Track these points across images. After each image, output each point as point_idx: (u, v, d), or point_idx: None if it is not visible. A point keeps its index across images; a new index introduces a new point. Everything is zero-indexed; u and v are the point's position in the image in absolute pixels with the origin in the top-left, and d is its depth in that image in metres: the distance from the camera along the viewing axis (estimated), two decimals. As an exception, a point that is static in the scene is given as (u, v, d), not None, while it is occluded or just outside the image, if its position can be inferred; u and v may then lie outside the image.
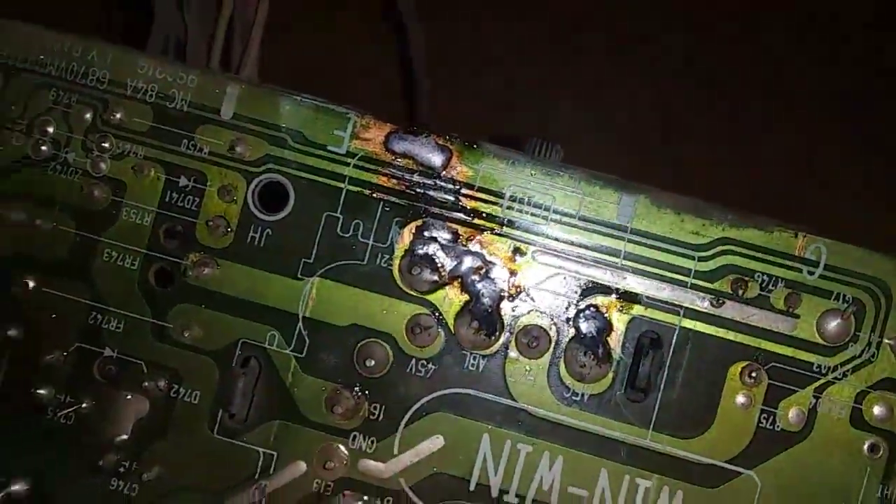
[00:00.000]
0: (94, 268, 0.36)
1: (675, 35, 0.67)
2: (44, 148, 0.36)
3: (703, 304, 0.34)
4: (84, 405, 0.36)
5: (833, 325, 0.34)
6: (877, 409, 0.34)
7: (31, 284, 0.36)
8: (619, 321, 0.35)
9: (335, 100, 0.36)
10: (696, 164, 0.65)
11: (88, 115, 0.35)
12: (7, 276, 0.36)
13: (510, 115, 0.67)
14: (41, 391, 0.36)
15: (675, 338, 0.34)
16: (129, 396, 0.36)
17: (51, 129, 0.36)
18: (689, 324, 0.34)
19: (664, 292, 0.34)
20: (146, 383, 0.36)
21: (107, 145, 0.35)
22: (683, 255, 0.34)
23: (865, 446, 0.34)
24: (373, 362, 0.35)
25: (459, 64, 0.68)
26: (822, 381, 0.34)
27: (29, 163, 0.36)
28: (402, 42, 0.57)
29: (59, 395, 0.36)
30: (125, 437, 0.36)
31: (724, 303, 0.34)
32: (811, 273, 0.34)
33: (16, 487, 0.36)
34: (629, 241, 0.34)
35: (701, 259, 0.34)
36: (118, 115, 0.35)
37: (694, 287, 0.34)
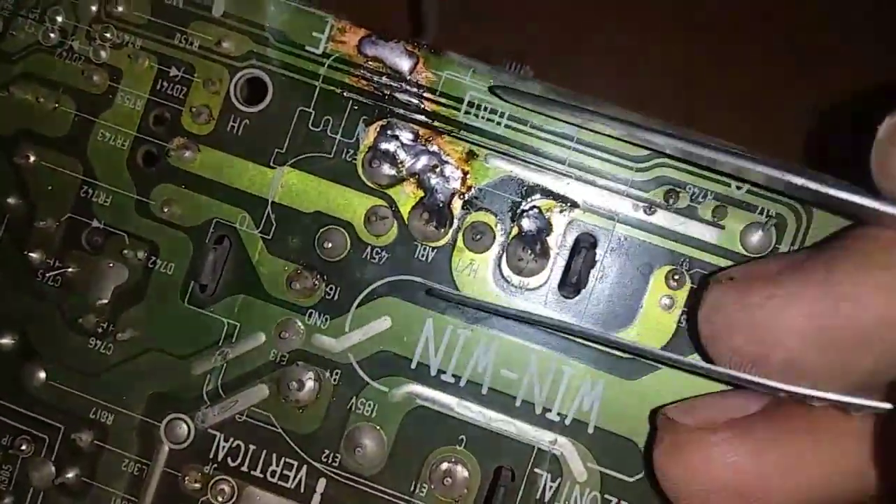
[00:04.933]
0: (88, 146, 0.39)
1: None
2: (52, 35, 0.40)
3: (636, 212, 0.37)
4: (70, 270, 0.39)
5: (756, 236, 0.36)
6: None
7: (32, 158, 0.39)
8: (558, 222, 0.37)
9: (347, 11, 0.38)
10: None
11: (94, 7, 0.40)
12: (12, 149, 0.39)
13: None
14: (33, 255, 0.40)
15: (608, 240, 0.37)
16: (110, 264, 0.39)
17: (59, 19, 0.40)
18: (622, 228, 0.37)
19: (602, 199, 0.37)
20: (127, 253, 0.39)
21: (108, 35, 0.39)
22: (623, 166, 0.37)
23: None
24: (331, 246, 0.38)
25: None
26: (741, 288, 0.36)
27: (38, 48, 0.40)
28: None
29: (50, 260, 0.40)
30: (105, 301, 0.39)
31: (655, 211, 0.37)
32: (739, 188, 0.36)
33: (4, 341, 0.39)
34: (574, 149, 0.37)
35: (639, 170, 0.37)
36: (120, 8, 0.39)
37: (629, 196, 0.37)
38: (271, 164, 0.39)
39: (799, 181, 0.32)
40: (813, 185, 0.32)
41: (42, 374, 0.40)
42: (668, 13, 0.75)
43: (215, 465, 0.39)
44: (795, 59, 0.75)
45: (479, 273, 0.38)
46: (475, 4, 0.76)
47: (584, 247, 0.38)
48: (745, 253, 0.37)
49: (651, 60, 0.74)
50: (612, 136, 0.38)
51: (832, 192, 0.32)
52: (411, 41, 0.39)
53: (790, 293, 0.31)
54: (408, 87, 0.38)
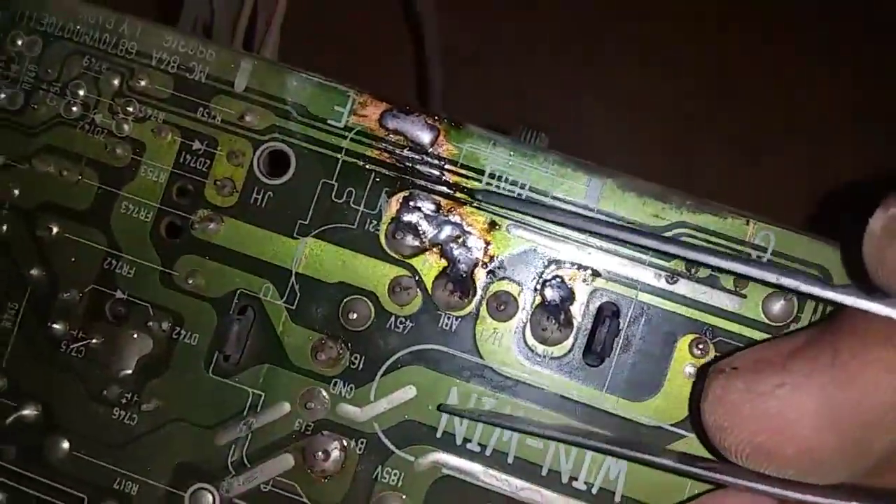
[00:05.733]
0: (112, 218, 0.39)
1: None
2: (74, 109, 0.40)
3: (658, 281, 0.37)
4: (94, 341, 0.40)
5: (777, 305, 0.37)
6: (812, 384, 0.36)
7: (55, 230, 0.40)
8: (581, 291, 0.38)
9: (350, 81, 0.39)
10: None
11: (116, 82, 0.40)
12: (35, 221, 0.40)
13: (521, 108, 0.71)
14: (56, 326, 0.40)
15: (631, 309, 0.37)
16: (135, 335, 0.39)
17: (81, 93, 0.40)
18: (645, 297, 0.37)
19: (624, 268, 0.37)
20: (151, 324, 0.39)
21: (131, 109, 0.39)
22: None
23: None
24: (356, 316, 0.38)
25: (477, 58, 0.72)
26: (763, 356, 0.37)
27: (60, 121, 0.40)
28: (418, 30, 0.61)
29: (73, 331, 0.40)
30: (129, 371, 0.39)
31: (678, 280, 0.37)
32: (760, 257, 0.37)
33: (27, 412, 0.40)
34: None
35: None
36: (143, 83, 0.39)
37: (651, 265, 0.37)
38: (295, 235, 0.39)
39: (793, 284, 0.32)
40: (807, 289, 0.32)
41: (66, 445, 0.40)
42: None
43: (241, 537, 0.39)
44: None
45: (503, 342, 0.39)
46: (477, 70, 0.76)
47: (608, 316, 0.38)
48: (768, 322, 0.38)
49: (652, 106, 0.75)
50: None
51: (829, 295, 0.32)
52: (432, 114, 0.39)
53: (800, 379, 0.31)
54: (429, 160, 0.39)
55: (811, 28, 0.80)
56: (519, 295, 0.39)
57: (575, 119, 0.80)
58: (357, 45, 0.80)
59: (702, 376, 0.34)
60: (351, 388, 0.39)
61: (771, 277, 0.33)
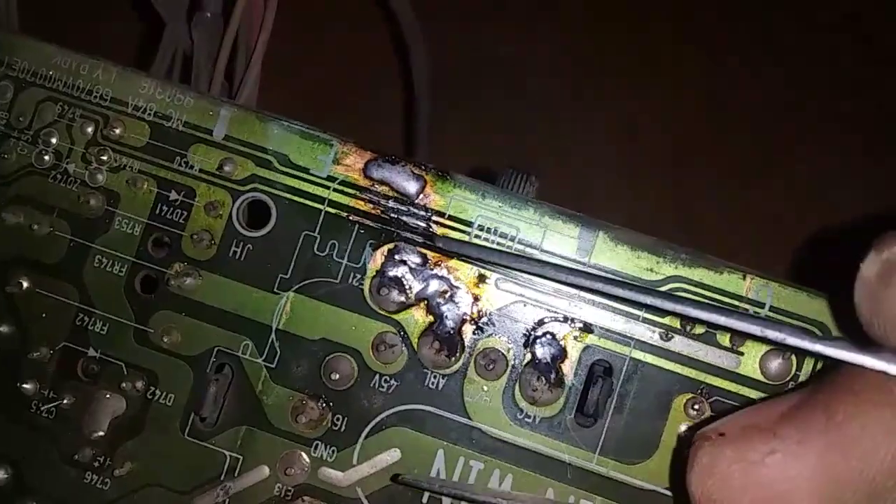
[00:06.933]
0: (84, 272, 0.38)
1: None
2: (46, 158, 0.38)
3: (653, 338, 0.36)
4: (65, 401, 0.38)
5: (775, 364, 0.35)
6: (813, 447, 0.35)
7: (26, 285, 0.38)
8: (573, 349, 0.36)
9: (332, 120, 0.37)
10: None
11: (90, 129, 0.38)
12: (4, 276, 0.38)
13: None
14: (26, 385, 0.38)
15: (624, 367, 0.36)
16: (107, 395, 0.38)
17: (54, 141, 0.38)
18: (638, 355, 0.36)
19: (617, 324, 0.36)
20: (124, 384, 0.37)
21: (105, 158, 0.38)
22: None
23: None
24: (338, 376, 0.36)
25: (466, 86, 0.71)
26: (761, 416, 0.35)
27: (31, 171, 0.38)
28: (405, 62, 0.60)
29: (44, 391, 0.38)
30: (101, 433, 0.37)
31: (672, 337, 0.36)
32: (756, 314, 0.35)
33: (-4, 475, 0.38)
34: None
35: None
36: (117, 131, 0.38)
37: (645, 321, 0.36)
38: (275, 289, 0.38)
39: (778, 336, 0.31)
40: (793, 342, 0.31)
41: (36, 511, 0.38)
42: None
43: None
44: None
45: (491, 402, 0.37)
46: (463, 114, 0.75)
47: (600, 375, 0.37)
48: (765, 381, 0.36)
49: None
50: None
51: (817, 348, 0.30)
52: (418, 164, 0.38)
53: (792, 446, 0.29)
54: (415, 211, 0.37)
55: (804, 63, 0.79)
56: (508, 352, 0.37)
57: (564, 151, 0.79)
58: (341, 90, 0.79)
59: (685, 443, 0.32)
60: (333, 451, 0.38)
61: (755, 329, 0.31)
